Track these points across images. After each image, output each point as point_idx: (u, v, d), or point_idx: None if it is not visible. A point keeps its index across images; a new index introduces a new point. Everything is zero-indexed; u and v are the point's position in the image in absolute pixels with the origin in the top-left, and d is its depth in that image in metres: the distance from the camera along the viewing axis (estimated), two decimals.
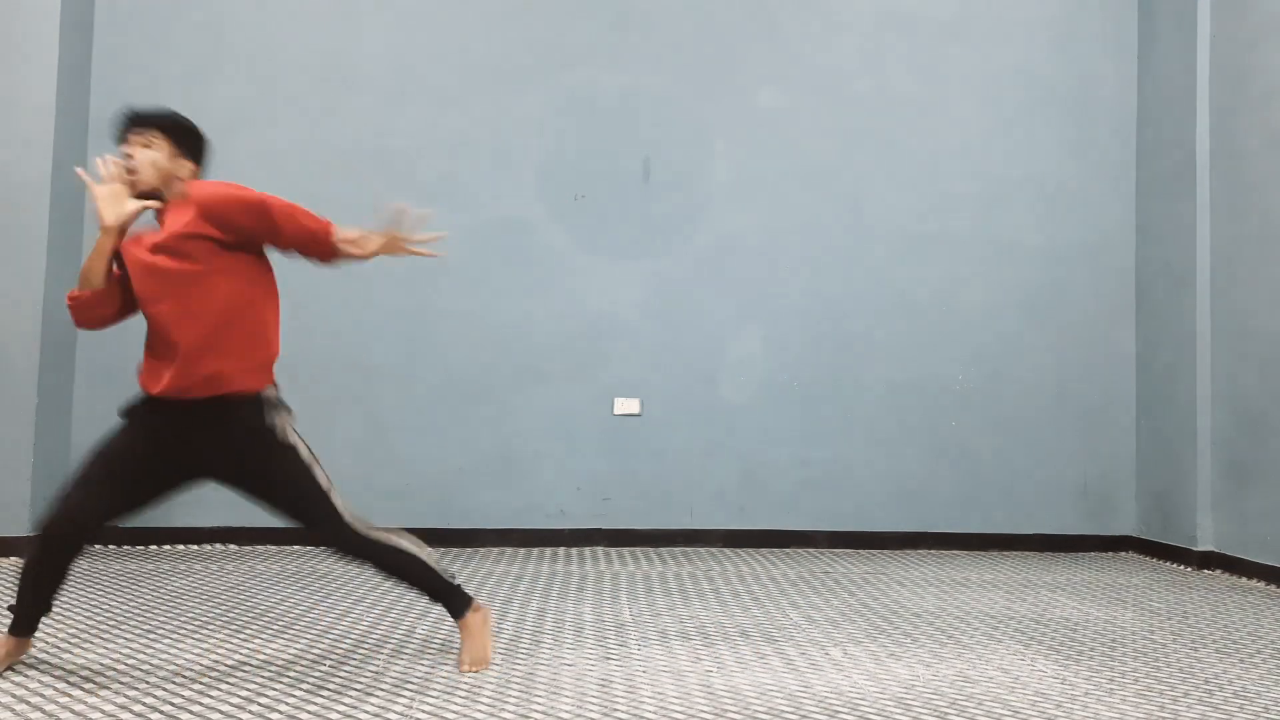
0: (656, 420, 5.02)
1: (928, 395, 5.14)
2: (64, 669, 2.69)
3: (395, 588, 3.83)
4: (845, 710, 2.49)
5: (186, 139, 2.68)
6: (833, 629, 3.36)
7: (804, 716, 2.43)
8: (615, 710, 2.45)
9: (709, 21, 5.16)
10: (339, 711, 2.40)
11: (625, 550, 4.88)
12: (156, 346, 2.64)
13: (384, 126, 4.97)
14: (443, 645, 3.04)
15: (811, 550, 4.99)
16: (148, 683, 2.59)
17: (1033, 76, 5.28)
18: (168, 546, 4.71)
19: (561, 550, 4.84)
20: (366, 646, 3.00)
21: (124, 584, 3.84)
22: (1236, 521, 4.58)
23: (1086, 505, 5.18)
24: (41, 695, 2.47)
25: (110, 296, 2.72)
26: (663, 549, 4.93)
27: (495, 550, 4.80)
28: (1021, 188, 5.24)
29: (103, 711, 2.37)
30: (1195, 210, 4.83)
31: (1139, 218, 5.27)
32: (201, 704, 2.43)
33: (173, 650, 2.90)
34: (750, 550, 4.95)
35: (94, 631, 3.10)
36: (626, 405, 5.04)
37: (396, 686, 2.61)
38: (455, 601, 2.79)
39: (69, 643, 2.96)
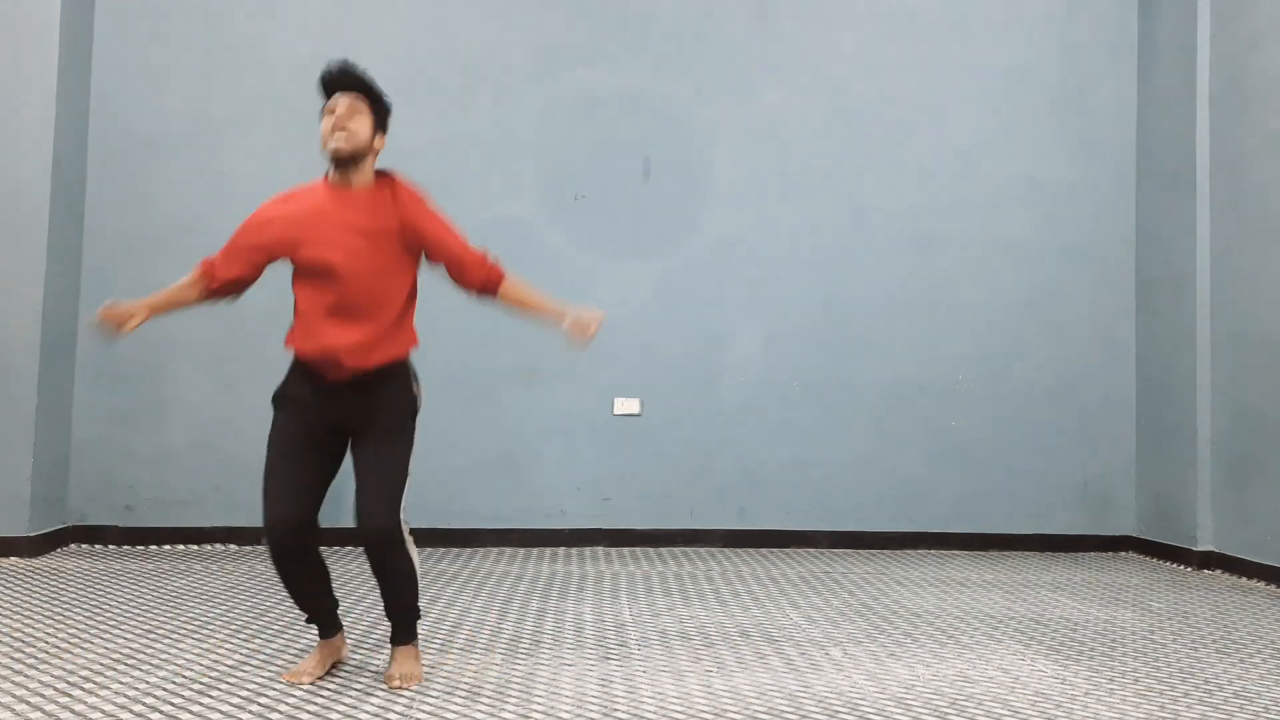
0: (656, 420, 5.02)
1: (928, 395, 5.14)
2: (64, 669, 2.70)
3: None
4: (845, 710, 2.49)
5: (385, 113, 2.69)
6: (833, 629, 3.36)
7: (804, 716, 2.43)
8: (615, 710, 2.45)
9: (709, 21, 5.16)
10: (339, 712, 2.40)
11: (625, 550, 4.88)
12: (328, 318, 2.69)
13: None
14: (443, 646, 3.04)
15: (811, 550, 4.99)
16: (148, 683, 2.59)
17: (1033, 76, 5.28)
18: (168, 546, 4.71)
19: (561, 550, 4.84)
20: (366, 646, 3.00)
21: (124, 584, 3.84)
22: (1236, 521, 4.58)
23: (1086, 505, 5.18)
24: (41, 695, 2.47)
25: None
26: (663, 549, 4.93)
27: (495, 550, 4.80)
28: (1021, 188, 5.24)
29: (103, 711, 2.37)
30: (1195, 210, 4.83)
31: (1139, 218, 5.27)
32: (201, 704, 2.43)
33: (173, 650, 2.90)
34: (750, 550, 4.95)
35: (94, 631, 3.10)
36: (626, 405, 5.04)
37: (396, 687, 2.61)
38: (404, 630, 2.70)
39: (69, 642, 2.96)
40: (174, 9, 4.90)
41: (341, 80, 2.63)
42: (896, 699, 2.59)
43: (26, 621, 3.20)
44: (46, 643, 2.95)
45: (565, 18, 5.10)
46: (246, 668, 2.75)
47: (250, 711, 2.39)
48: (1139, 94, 5.30)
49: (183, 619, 3.28)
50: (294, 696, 2.51)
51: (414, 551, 2.70)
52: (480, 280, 2.72)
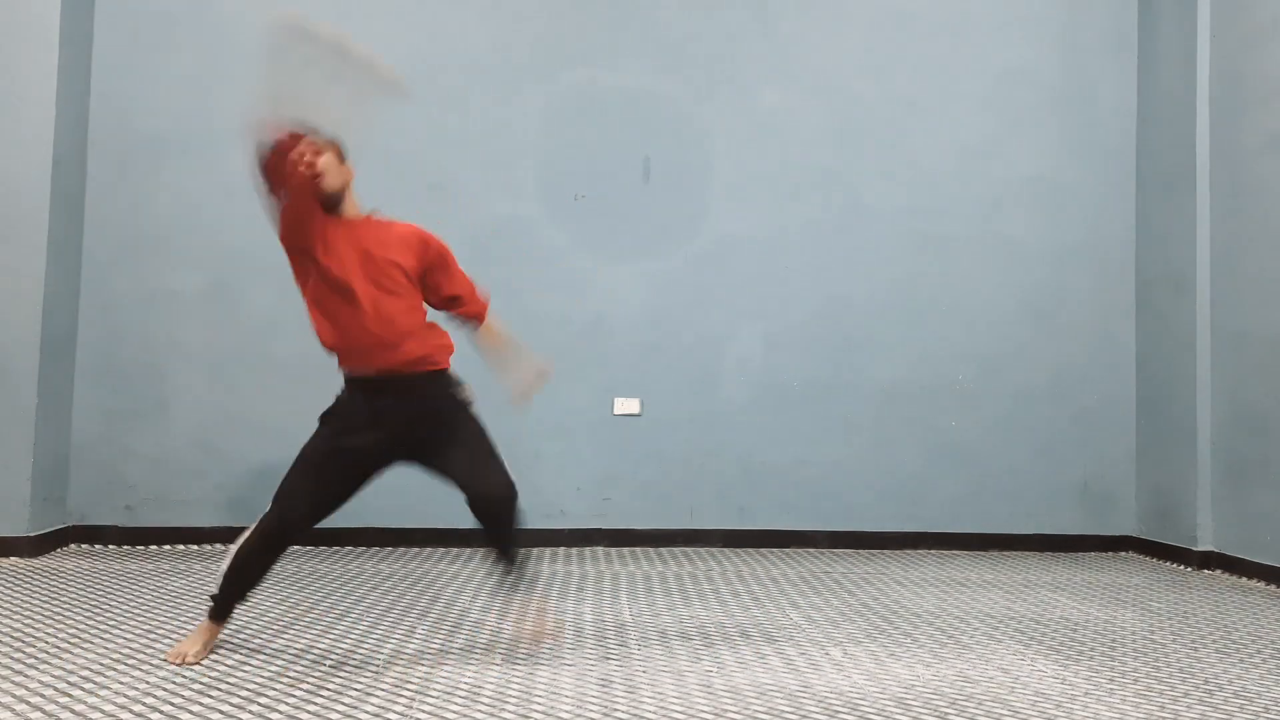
0: (656, 420, 5.02)
1: (928, 395, 5.14)
2: (64, 669, 2.70)
3: (403, 589, 3.83)
4: (845, 710, 2.49)
5: (342, 149, 2.89)
6: (833, 629, 3.36)
7: (804, 716, 2.43)
8: (615, 710, 2.45)
9: (709, 21, 5.16)
10: (339, 712, 2.40)
11: (625, 550, 4.88)
12: (353, 336, 2.85)
13: (384, 126, 4.96)
14: (443, 646, 3.04)
15: (811, 550, 4.99)
16: (148, 683, 2.59)
17: (1033, 76, 5.28)
18: (168, 546, 4.71)
19: (561, 550, 4.84)
20: (366, 646, 3.00)
21: (124, 584, 3.84)
22: (1236, 521, 4.58)
23: (1086, 505, 5.18)
24: (41, 695, 2.47)
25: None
26: (663, 549, 4.93)
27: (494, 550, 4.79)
28: (1021, 188, 5.24)
29: (103, 712, 2.37)
30: (1195, 210, 4.83)
31: (1139, 218, 5.27)
32: (201, 704, 2.43)
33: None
34: (750, 550, 4.95)
35: (94, 631, 3.10)
36: (626, 405, 5.04)
37: (396, 687, 2.61)
38: (518, 576, 3.01)
39: (69, 642, 2.96)
40: (174, 9, 4.90)
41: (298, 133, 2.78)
42: (896, 699, 2.59)
43: (26, 621, 3.20)
44: (46, 643, 2.95)
45: (565, 17, 5.09)
46: (246, 668, 2.75)
47: (250, 711, 2.39)
48: (1139, 94, 5.30)
49: (183, 619, 3.28)
50: (294, 697, 2.51)
51: None
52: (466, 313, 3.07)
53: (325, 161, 2.74)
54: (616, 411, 5.03)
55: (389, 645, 3.01)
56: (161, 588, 3.78)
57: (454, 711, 2.42)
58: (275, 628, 3.20)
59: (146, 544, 4.72)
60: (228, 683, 2.61)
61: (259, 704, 2.44)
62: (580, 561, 4.56)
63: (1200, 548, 4.71)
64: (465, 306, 3.06)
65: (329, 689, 2.58)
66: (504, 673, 2.76)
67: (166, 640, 3.01)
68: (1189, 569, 4.70)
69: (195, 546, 4.72)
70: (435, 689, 2.59)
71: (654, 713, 2.44)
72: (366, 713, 2.40)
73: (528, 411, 4.93)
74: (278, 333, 4.82)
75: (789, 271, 5.12)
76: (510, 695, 2.55)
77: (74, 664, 2.74)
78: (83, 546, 4.66)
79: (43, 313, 4.41)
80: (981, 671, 2.87)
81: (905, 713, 2.48)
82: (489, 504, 2.86)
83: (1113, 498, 5.19)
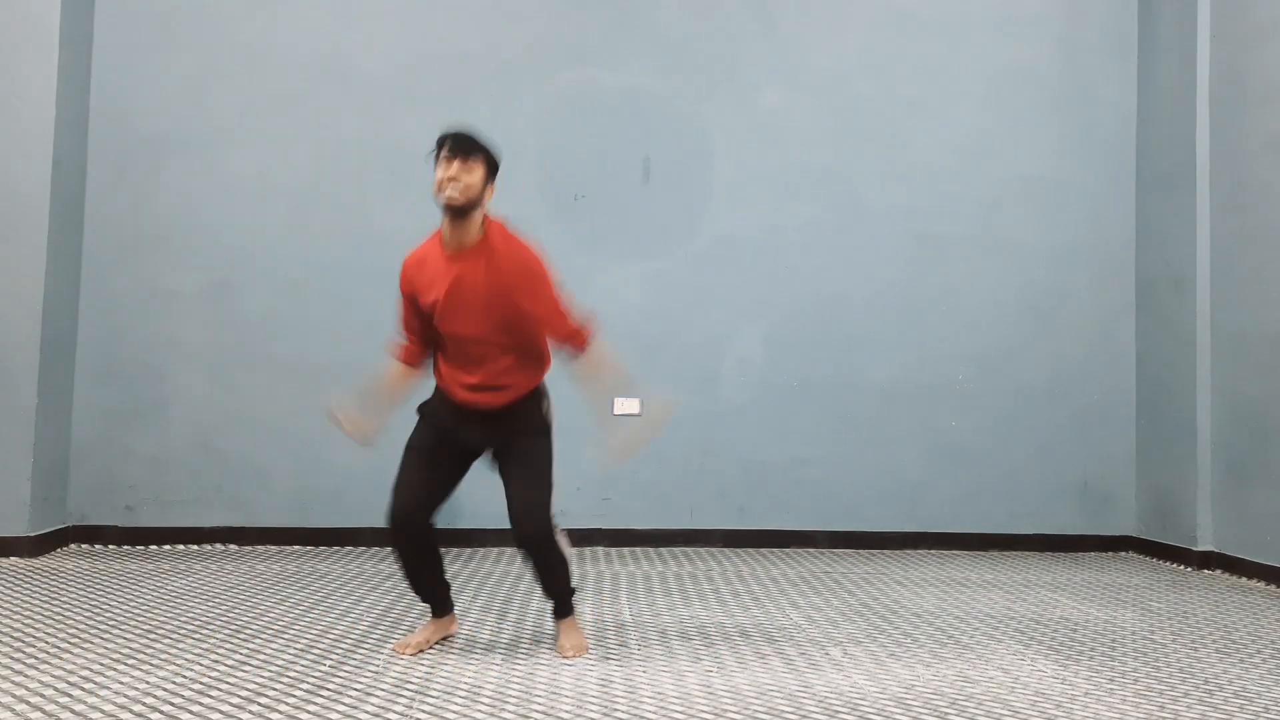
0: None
1: (928, 395, 5.14)
2: (64, 669, 2.70)
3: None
4: (845, 710, 2.49)
5: (495, 170, 2.89)
6: (833, 629, 3.36)
7: (804, 716, 2.43)
8: (615, 710, 2.45)
9: (709, 21, 5.16)
10: (339, 711, 2.40)
11: (625, 550, 4.88)
12: (460, 362, 2.92)
13: (384, 126, 4.97)
14: (442, 646, 3.04)
15: (811, 550, 4.99)
16: (148, 683, 2.59)
17: (1033, 76, 5.28)
18: (168, 546, 4.71)
19: None
20: (366, 646, 3.00)
21: (124, 584, 3.84)
22: (1236, 521, 4.58)
23: (1086, 505, 5.18)
24: (41, 695, 2.47)
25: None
26: (663, 549, 4.93)
27: (495, 550, 4.80)
28: (1021, 187, 5.24)
29: (103, 712, 2.37)
30: (1195, 210, 4.83)
31: (1139, 218, 5.27)
32: (201, 704, 2.43)
33: (173, 650, 2.90)
34: (750, 550, 4.95)
35: (94, 631, 3.10)
36: (626, 405, 5.03)
37: (396, 687, 2.61)
38: (564, 606, 3.05)
39: (69, 642, 2.96)
40: (174, 9, 4.90)
41: (459, 144, 2.79)
42: (896, 699, 2.59)
43: (26, 621, 3.20)
44: (46, 643, 2.95)
45: (565, 17, 5.09)
46: (246, 668, 2.75)
47: (250, 711, 2.39)
48: (1139, 94, 5.30)
49: (183, 619, 3.28)
50: (294, 696, 2.51)
51: (565, 544, 3.01)
52: (570, 347, 3.00)
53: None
54: (616, 411, 5.02)
55: (389, 645, 3.01)
56: (161, 588, 3.78)
57: (454, 712, 2.42)
58: (275, 628, 3.20)
59: (146, 544, 4.72)
60: (228, 683, 2.61)
61: (259, 704, 2.44)
62: (580, 561, 4.56)
63: (1200, 548, 4.71)
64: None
65: (329, 689, 2.58)
66: (504, 673, 2.76)
67: (166, 640, 3.01)
68: (1189, 569, 4.70)
69: (195, 546, 4.72)
70: (435, 689, 2.59)
71: (654, 713, 2.44)
72: (366, 713, 2.40)
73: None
74: (278, 333, 4.82)
75: (789, 271, 5.12)
76: (510, 695, 2.55)
77: (74, 664, 2.74)
78: (83, 546, 4.66)
79: (43, 313, 4.42)
80: (981, 671, 2.87)
81: (905, 713, 2.48)
82: (519, 540, 2.90)
83: (1113, 497, 5.19)
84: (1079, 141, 5.28)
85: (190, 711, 2.38)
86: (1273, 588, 4.26)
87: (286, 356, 4.83)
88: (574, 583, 3.07)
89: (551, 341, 2.97)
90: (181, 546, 4.72)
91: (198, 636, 3.06)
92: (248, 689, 2.56)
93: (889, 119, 5.20)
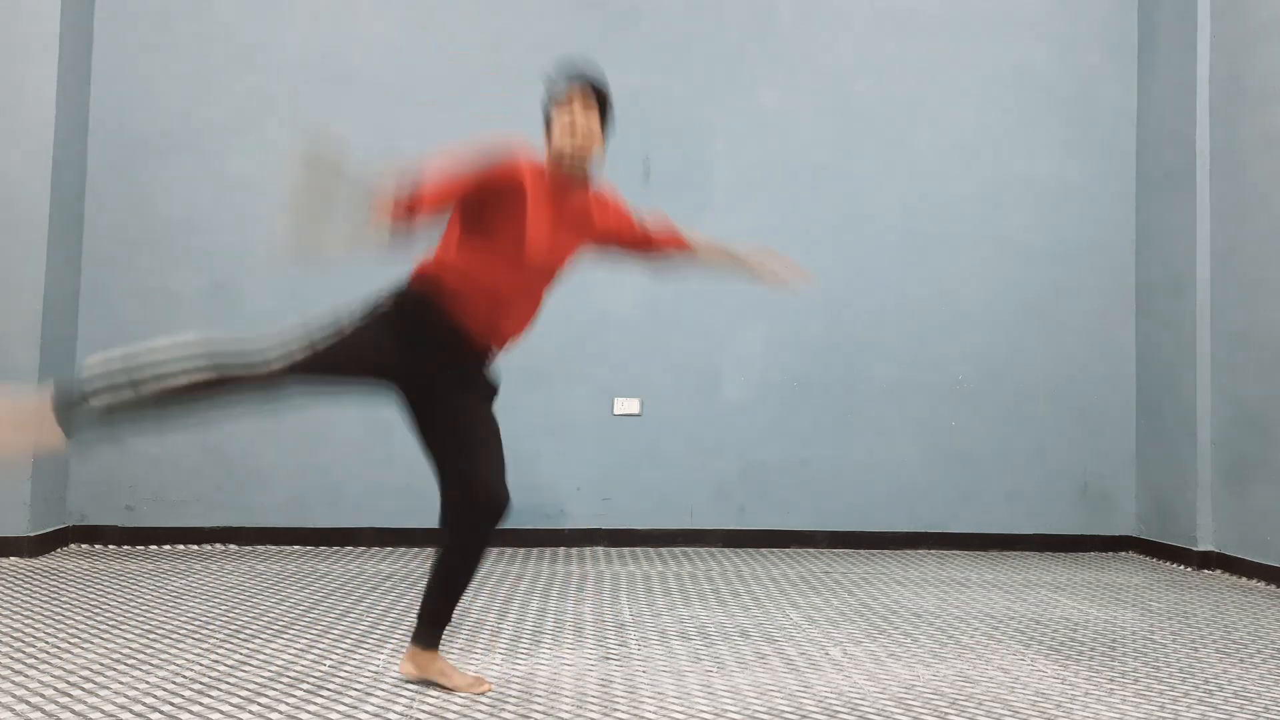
0: (656, 420, 5.02)
1: (928, 395, 5.14)
2: (64, 669, 2.70)
3: (395, 586, 3.83)
4: (845, 710, 2.49)
5: (609, 121, 2.89)
6: (833, 629, 3.36)
7: (804, 716, 2.43)
8: (615, 710, 2.45)
9: (709, 21, 5.16)
10: (339, 711, 2.40)
11: (625, 550, 4.88)
12: (498, 288, 2.66)
13: (384, 126, 4.96)
14: (442, 646, 3.03)
15: (811, 550, 4.99)
16: (148, 683, 2.59)
17: (1033, 76, 5.28)
18: (168, 546, 4.71)
19: (561, 550, 4.84)
20: (366, 646, 3.00)
21: (124, 584, 3.84)
22: (1236, 521, 4.58)
23: (1086, 505, 5.18)
24: (41, 695, 2.47)
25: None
26: (663, 549, 4.93)
27: (495, 550, 4.80)
28: (1021, 188, 5.24)
29: (103, 711, 2.37)
30: (1195, 210, 4.83)
31: (1139, 218, 5.27)
32: (201, 704, 2.43)
33: (173, 650, 2.90)
34: (750, 550, 4.94)
35: (94, 631, 3.10)
36: (626, 405, 5.04)
37: (396, 686, 2.61)
38: (439, 626, 2.64)
39: (69, 642, 2.96)
40: (174, 9, 4.90)
41: (588, 87, 2.81)
42: (896, 699, 2.59)
43: (26, 621, 3.20)
44: (46, 643, 2.95)
45: (565, 17, 5.09)
46: (246, 668, 2.75)
47: (250, 711, 2.39)
48: (1139, 94, 5.30)
49: (183, 619, 3.28)
50: (294, 696, 2.51)
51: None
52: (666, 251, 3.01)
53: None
54: (616, 411, 5.03)
55: (389, 645, 3.01)
56: (161, 588, 3.78)
57: (454, 712, 2.42)
58: (275, 627, 3.20)
59: (146, 544, 4.72)
60: (228, 683, 2.61)
61: (259, 704, 2.44)
62: (580, 561, 4.56)
63: (1200, 548, 4.71)
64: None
65: (329, 689, 2.58)
66: (504, 673, 2.76)
67: (166, 640, 3.01)
68: (1189, 569, 4.70)
69: (195, 546, 4.72)
70: (435, 689, 2.59)
71: (654, 713, 2.44)
72: (366, 713, 2.40)
73: (527, 411, 4.94)
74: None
75: None
76: (510, 695, 2.55)
77: (74, 664, 2.74)
78: (83, 546, 4.66)
79: (43, 313, 4.41)
80: (981, 671, 2.87)
81: (905, 713, 2.48)
82: (492, 510, 2.50)
83: (1112, 498, 5.19)
84: (1079, 141, 5.28)
85: (190, 711, 2.37)
86: (1273, 588, 4.26)
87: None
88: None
89: (648, 250, 3.01)
90: (181, 546, 4.72)
91: (198, 636, 3.06)
92: (248, 689, 2.56)
93: (889, 119, 5.20)
